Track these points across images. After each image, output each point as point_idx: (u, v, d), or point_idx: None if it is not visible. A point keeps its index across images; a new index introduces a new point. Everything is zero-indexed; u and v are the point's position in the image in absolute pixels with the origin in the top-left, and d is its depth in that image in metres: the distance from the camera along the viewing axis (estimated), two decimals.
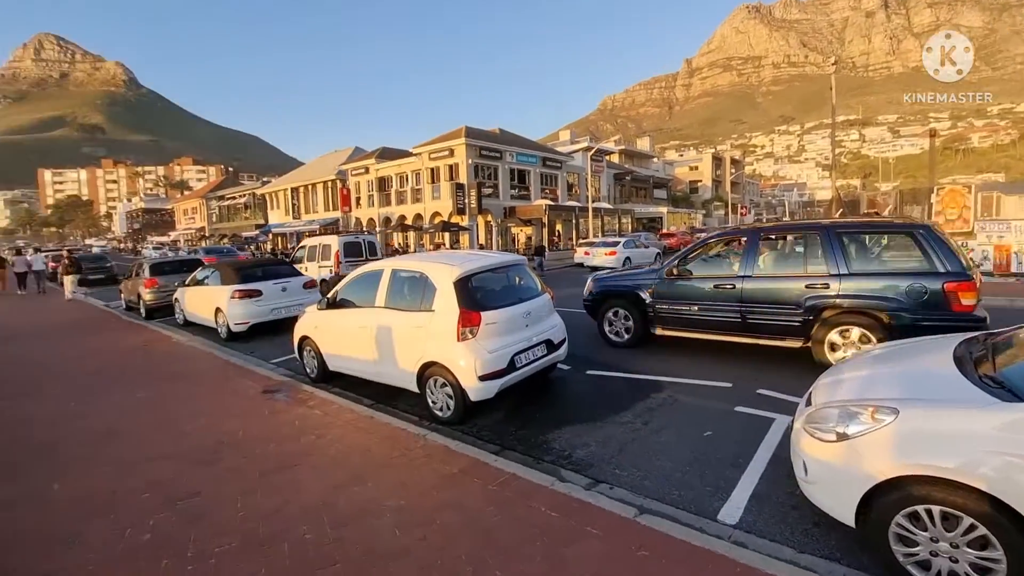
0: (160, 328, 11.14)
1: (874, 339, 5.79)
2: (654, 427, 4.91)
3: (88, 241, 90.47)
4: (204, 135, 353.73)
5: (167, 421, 5.40)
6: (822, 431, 2.96)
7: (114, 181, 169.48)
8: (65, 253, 25.28)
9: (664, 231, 39.88)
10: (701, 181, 73.08)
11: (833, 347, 6.15)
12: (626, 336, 7.94)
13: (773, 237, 7.65)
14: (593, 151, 38.98)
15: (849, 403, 2.98)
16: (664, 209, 51.17)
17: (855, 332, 5.99)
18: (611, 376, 6.57)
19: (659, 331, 7.62)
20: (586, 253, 23.26)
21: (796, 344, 6.44)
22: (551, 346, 5.83)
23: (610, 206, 42.22)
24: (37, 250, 35.96)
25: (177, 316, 11.79)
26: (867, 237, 6.68)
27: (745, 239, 7.23)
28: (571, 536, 3.10)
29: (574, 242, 33.30)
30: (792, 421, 3.51)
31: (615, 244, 22.60)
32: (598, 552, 2.94)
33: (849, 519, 2.80)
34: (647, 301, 7.61)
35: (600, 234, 34.23)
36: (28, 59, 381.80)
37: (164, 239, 67.11)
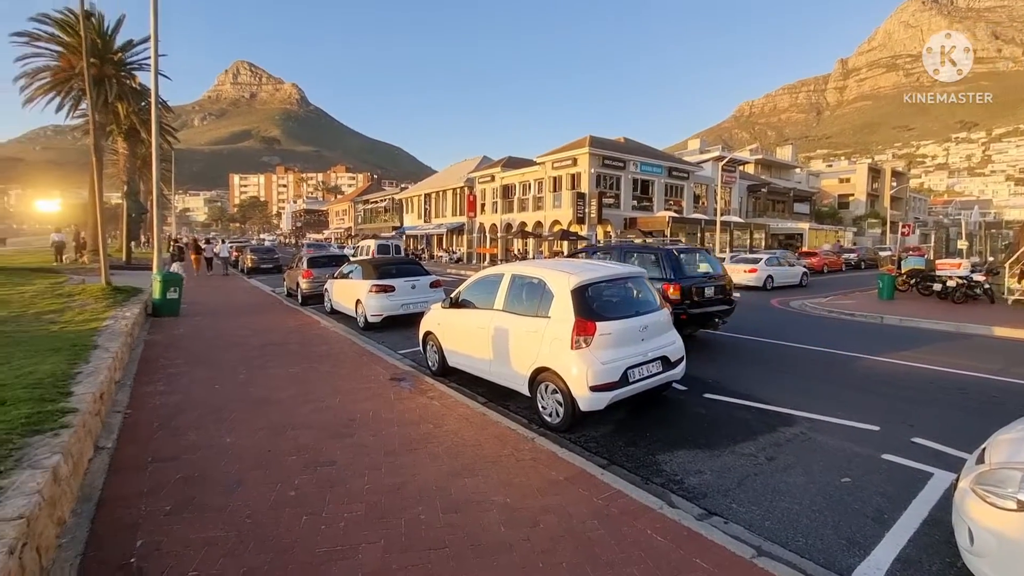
0: (312, 313, 12.73)
1: None
2: (780, 464, 4.48)
3: (262, 235, 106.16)
4: (356, 146, 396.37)
5: (311, 395, 6.16)
6: (998, 496, 2.49)
7: (284, 185, 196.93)
8: (171, 240, 29.56)
9: (804, 249, 35.96)
10: (853, 195, 64.59)
11: None
12: None
13: (598, 252, 11.38)
14: (725, 161, 36.60)
15: None
16: (805, 225, 46.12)
17: None
18: (733, 403, 6.12)
19: None
20: None
21: None
22: (667, 363, 5.61)
23: (741, 220, 39.24)
24: (223, 240, 43.12)
25: (325, 304, 13.37)
26: (640, 253, 10.40)
27: (587, 251, 11.90)
28: (678, 566, 2.95)
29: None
30: (956, 479, 2.98)
31: (756, 261, 20.90)
32: None
33: None
34: None
35: (728, 249, 31.96)
36: (228, 83, 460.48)
37: (319, 236, 76.49)
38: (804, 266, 23.78)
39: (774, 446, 4.86)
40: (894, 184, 64.79)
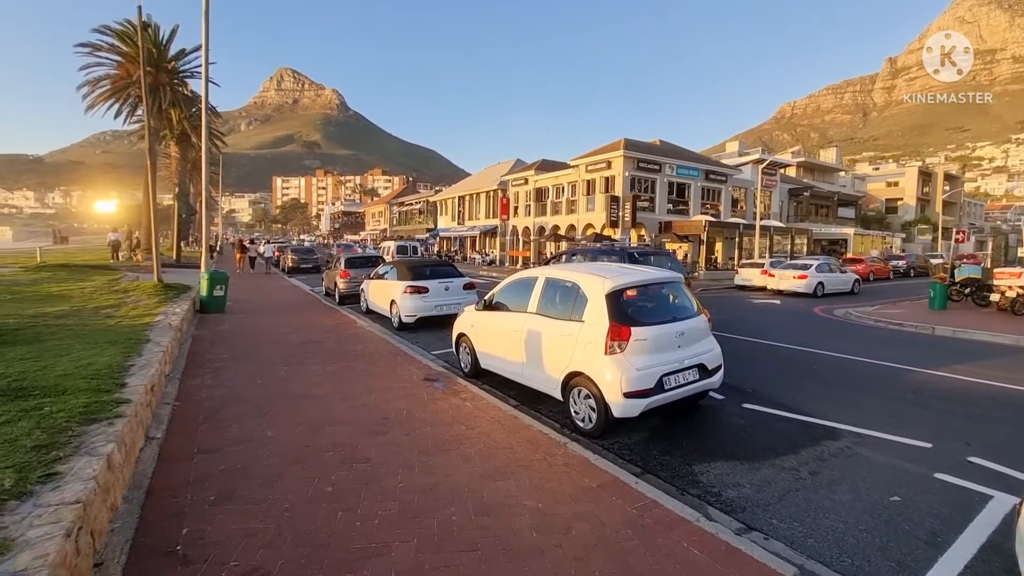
0: (348, 313, 13.04)
1: None
2: (824, 480, 4.30)
3: (302, 236, 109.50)
4: (392, 149, 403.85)
5: (348, 393, 6.29)
6: None
7: (323, 188, 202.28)
8: (213, 240, 30.77)
9: (849, 255, 34.54)
10: (901, 199, 61.60)
11: None
12: None
13: (577, 254, 13.65)
14: (765, 164, 35.55)
15: None
16: (850, 230, 44.26)
17: None
18: (773, 414, 5.92)
19: None
20: (768, 274, 21.26)
21: None
22: (704, 371, 5.48)
23: (781, 224, 38.00)
24: (268, 241, 44.69)
25: (361, 304, 13.67)
26: (606, 254, 12.82)
27: (567, 253, 14.58)
28: None
29: (735, 262, 30.66)
30: (1021, 503, 2.79)
31: (806, 267, 20.27)
32: None
33: None
34: None
35: (768, 255, 31.01)
36: (272, 89, 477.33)
37: (355, 237, 78.40)
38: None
39: (817, 460, 4.67)
40: (947, 188, 61.53)
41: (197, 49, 26.40)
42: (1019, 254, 21.97)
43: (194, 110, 28.46)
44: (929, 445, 5.00)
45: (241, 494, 3.74)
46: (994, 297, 14.82)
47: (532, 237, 39.46)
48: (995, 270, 16.85)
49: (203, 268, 13.21)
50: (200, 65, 14.84)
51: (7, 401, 4.20)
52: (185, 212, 30.06)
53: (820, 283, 19.71)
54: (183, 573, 2.86)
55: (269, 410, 5.60)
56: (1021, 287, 14.07)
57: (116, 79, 26.12)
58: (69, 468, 3.17)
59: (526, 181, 40.69)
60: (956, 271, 17.81)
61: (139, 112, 26.91)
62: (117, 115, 27.28)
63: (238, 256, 28.67)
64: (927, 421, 5.73)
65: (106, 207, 34.46)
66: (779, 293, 20.37)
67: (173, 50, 27.23)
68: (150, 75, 22.76)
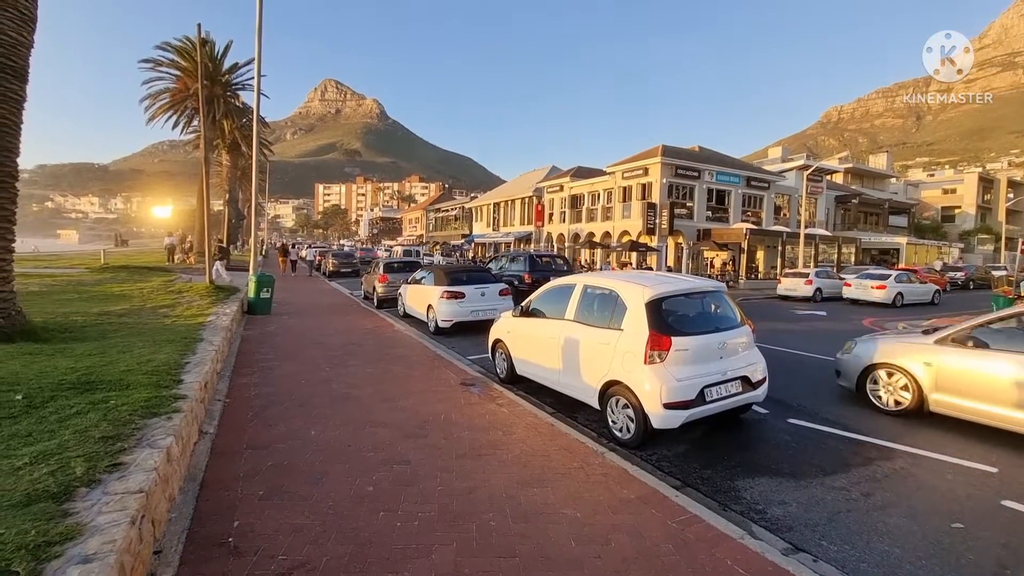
0: (386, 316, 13.32)
1: None
2: (877, 502, 4.10)
3: (342, 241, 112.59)
4: (429, 157, 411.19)
5: (387, 394, 6.42)
6: None
7: (363, 194, 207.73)
8: (217, 240, 30.92)
9: (901, 266, 32.86)
10: (959, 207, 58.17)
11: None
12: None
13: (503, 256, 18.55)
14: (810, 170, 34.32)
15: None
16: (902, 239, 42.06)
17: None
18: (820, 430, 5.70)
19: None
20: (847, 284, 21.09)
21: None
22: (748, 384, 5.33)
23: (827, 233, 36.54)
24: (310, 246, 46.26)
25: (399, 308, 13.93)
26: (516, 256, 18.17)
27: (498, 255, 21.41)
28: None
29: (778, 271, 29.65)
30: None
31: (885, 277, 20.02)
32: None
33: None
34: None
35: (813, 264, 29.86)
36: (316, 100, 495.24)
37: (392, 243, 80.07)
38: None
39: (870, 480, 4.46)
40: (1011, 195, 57.71)
41: (248, 62, 27.75)
42: None
43: (245, 120, 29.87)
44: (995, 470, 4.69)
45: (288, 490, 3.87)
46: None
47: (567, 244, 39.32)
48: None
49: (251, 271, 13.77)
50: (251, 78, 15.58)
51: (78, 394, 4.49)
52: (235, 217, 31.51)
53: (899, 293, 19.28)
54: (235, 565, 2.98)
55: (313, 409, 5.78)
56: None
57: (175, 92, 27.70)
58: (133, 459, 3.36)
59: (561, 188, 40.64)
60: (1022, 284, 16.69)
61: (194, 123, 28.46)
62: (175, 126, 28.95)
63: (280, 259, 29.82)
64: (992, 444, 5.36)
65: (162, 212, 36.40)
66: (854, 303, 19.97)
67: (226, 64, 28.68)
68: (206, 88, 23.97)
